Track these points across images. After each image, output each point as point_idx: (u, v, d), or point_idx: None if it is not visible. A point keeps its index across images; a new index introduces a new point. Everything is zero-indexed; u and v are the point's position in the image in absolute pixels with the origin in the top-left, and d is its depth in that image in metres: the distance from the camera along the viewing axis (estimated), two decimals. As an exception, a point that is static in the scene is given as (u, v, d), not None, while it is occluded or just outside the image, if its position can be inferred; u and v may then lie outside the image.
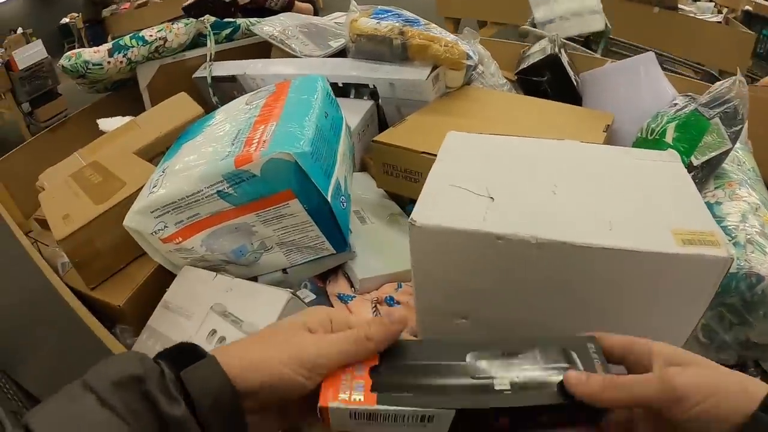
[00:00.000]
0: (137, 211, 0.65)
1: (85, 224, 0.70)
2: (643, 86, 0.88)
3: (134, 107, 1.09)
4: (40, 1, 6.66)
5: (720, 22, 1.47)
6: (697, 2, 1.67)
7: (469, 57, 0.86)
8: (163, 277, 0.74)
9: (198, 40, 1.10)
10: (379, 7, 0.92)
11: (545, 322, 0.48)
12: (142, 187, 0.72)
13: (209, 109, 0.97)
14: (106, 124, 0.97)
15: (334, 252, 0.64)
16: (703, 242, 0.42)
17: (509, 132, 0.74)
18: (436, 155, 0.70)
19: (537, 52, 1.03)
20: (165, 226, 0.65)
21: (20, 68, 3.01)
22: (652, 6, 1.37)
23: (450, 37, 0.86)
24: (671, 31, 1.33)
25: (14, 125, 3.45)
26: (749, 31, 1.36)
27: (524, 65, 1.01)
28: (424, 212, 0.47)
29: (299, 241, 0.63)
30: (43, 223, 0.97)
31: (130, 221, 0.65)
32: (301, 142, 0.56)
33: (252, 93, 0.73)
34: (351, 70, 0.91)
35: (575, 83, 0.99)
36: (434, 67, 0.87)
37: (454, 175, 0.52)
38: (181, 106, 0.99)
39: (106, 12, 4.10)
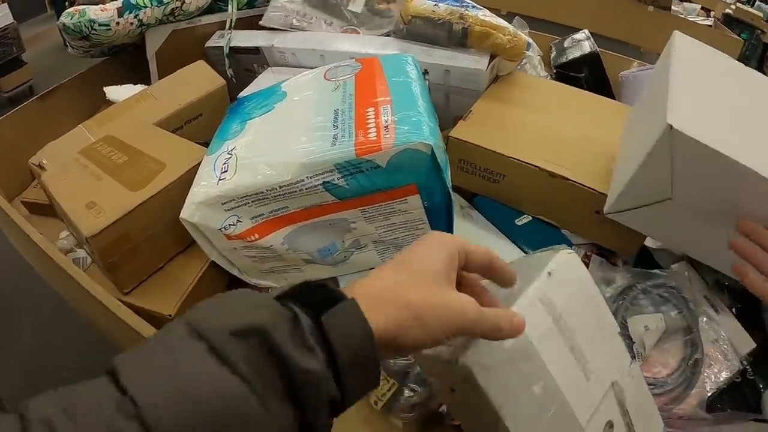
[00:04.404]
0: (203, 202, 0.51)
1: (124, 215, 0.55)
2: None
3: (135, 75, 0.91)
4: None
5: (710, 26, 1.50)
6: (683, 3, 1.70)
7: (529, 47, 0.80)
8: (213, 278, 0.61)
9: (213, 5, 0.93)
10: (435, -14, 0.81)
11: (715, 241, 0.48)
12: (190, 170, 0.59)
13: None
14: (116, 92, 0.79)
15: (435, 252, 0.55)
16: None
17: (579, 126, 0.71)
18: (523, 162, 0.64)
19: (573, 47, 0.98)
20: (238, 221, 0.52)
21: (-18, 34, 2.51)
22: (647, 5, 1.36)
23: (510, 26, 0.79)
24: (664, 31, 1.33)
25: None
26: (737, 36, 1.40)
27: (562, 60, 0.96)
28: (686, 121, 0.43)
29: (402, 240, 0.53)
30: (33, 207, 0.78)
31: (192, 214, 0.52)
32: (429, 131, 0.46)
33: (328, 67, 0.61)
34: (401, 51, 0.81)
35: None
36: (492, 56, 0.79)
37: (695, 90, 0.50)
38: (200, 76, 0.83)
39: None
